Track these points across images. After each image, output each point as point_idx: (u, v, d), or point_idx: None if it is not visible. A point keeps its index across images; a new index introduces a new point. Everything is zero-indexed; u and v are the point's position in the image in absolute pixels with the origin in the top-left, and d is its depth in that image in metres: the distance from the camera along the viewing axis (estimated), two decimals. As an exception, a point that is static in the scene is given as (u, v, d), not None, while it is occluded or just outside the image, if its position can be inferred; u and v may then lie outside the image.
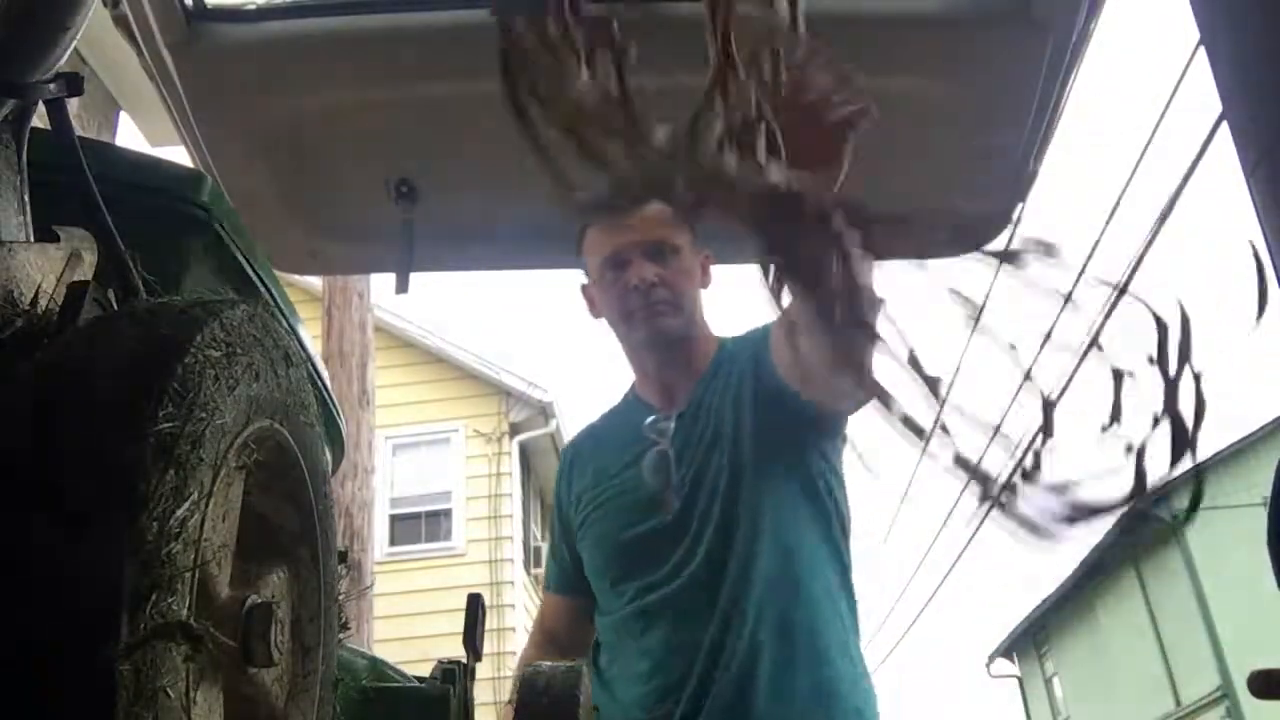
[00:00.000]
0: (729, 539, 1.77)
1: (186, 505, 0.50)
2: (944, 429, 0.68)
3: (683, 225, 1.90)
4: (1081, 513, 0.64)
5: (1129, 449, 0.65)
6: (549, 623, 2.01)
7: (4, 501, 0.47)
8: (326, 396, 1.08)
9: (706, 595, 1.73)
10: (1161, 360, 0.66)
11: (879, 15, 1.82)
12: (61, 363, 0.53)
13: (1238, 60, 1.26)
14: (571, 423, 10.17)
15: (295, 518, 0.71)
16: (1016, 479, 0.66)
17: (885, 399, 0.72)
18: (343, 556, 0.84)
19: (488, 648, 1.52)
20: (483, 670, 1.49)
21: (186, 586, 0.50)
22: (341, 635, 0.81)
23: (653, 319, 1.87)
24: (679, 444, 1.85)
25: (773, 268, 0.71)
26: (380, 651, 1.53)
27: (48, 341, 0.64)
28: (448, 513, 10.50)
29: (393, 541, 10.25)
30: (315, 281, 7.63)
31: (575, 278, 2.06)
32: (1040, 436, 0.68)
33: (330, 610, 0.74)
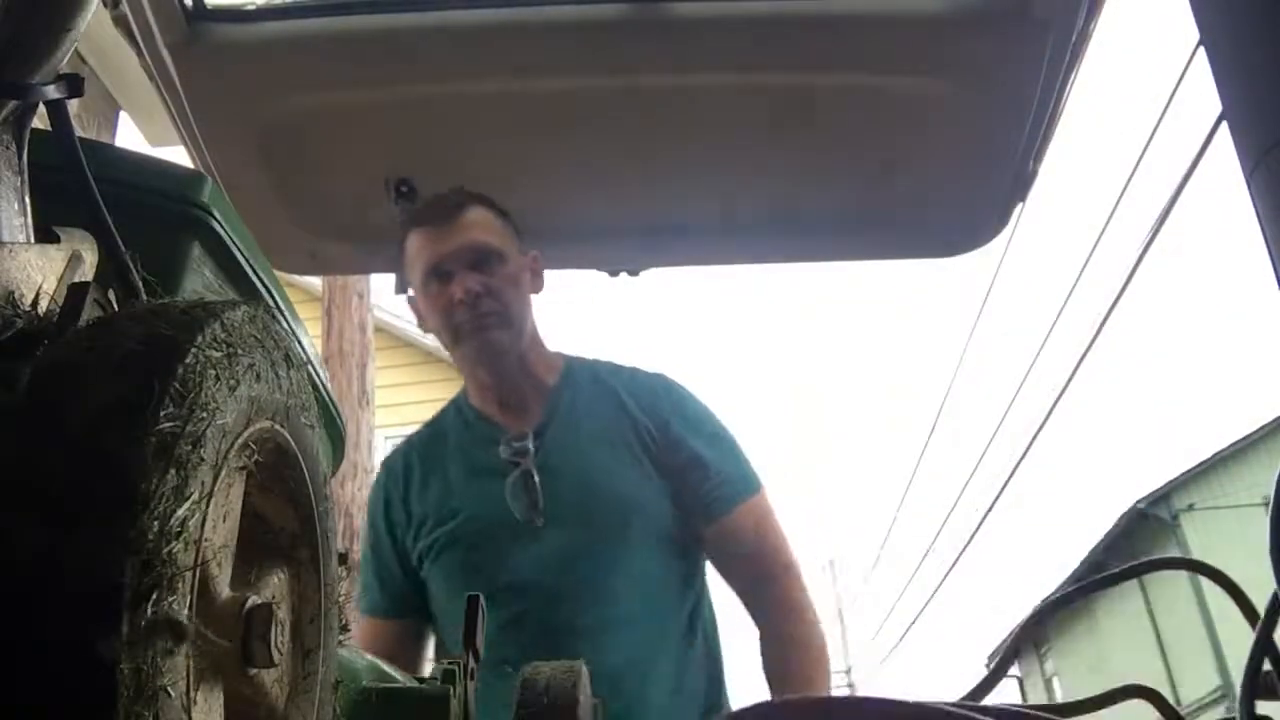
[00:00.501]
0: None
1: (187, 505, 0.50)
2: None
3: (507, 228, 1.83)
4: None
5: None
6: (377, 652, 1.83)
7: (4, 501, 0.47)
8: (327, 397, 1.08)
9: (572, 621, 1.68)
10: None
11: (879, 15, 1.83)
12: (62, 363, 0.53)
13: (1238, 60, 1.26)
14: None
15: (295, 519, 0.71)
16: None
17: None
18: (343, 558, 0.84)
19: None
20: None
21: (187, 586, 0.50)
22: (342, 636, 0.81)
23: (481, 332, 1.78)
24: (540, 462, 1.76)
25: None
26: (380, 652, 1.53)
27: (48, 342, 0.64)
28: (447, 513, 10.49)
29: (393, 541, 10.24)
30: (315, 281, 7.63)
31: (575, 277, 2.06)
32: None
33: (331, 611, 0.74)
